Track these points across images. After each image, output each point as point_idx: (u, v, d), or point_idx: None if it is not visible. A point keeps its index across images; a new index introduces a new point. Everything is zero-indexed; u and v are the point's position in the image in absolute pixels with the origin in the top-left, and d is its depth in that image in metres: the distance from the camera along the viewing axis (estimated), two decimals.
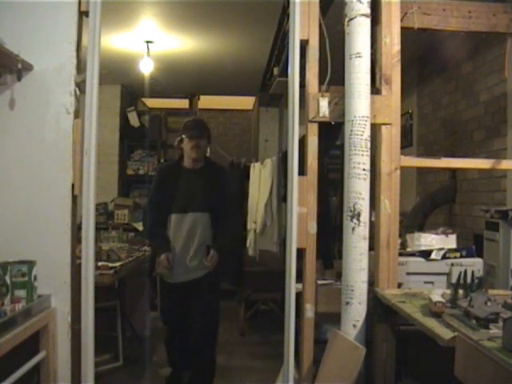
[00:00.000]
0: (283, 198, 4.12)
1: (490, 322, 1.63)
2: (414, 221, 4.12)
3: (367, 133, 2.38)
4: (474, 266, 2.60)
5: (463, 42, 4.01)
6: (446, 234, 2.85)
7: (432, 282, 2.64)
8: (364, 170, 2.37)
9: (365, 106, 2.38)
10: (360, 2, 2.39)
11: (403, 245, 2.87)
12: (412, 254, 2.75)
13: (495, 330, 1.58)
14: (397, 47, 2.56)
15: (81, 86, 2.39)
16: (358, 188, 2.37)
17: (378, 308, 2.39)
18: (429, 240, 2.80)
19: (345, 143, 2.42)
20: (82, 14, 2.41)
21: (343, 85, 2.44)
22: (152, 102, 7.63)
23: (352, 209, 2.37)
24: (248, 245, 4.75)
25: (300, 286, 2.56)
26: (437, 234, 2.85)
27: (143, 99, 7.45)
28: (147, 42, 4.88)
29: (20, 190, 2.37)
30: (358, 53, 2.38)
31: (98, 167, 2.34)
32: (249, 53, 5.21)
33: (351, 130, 2.38)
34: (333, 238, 3.64)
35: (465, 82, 4.24)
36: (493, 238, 2.57)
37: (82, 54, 2.42)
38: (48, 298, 2.30)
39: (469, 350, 1.53)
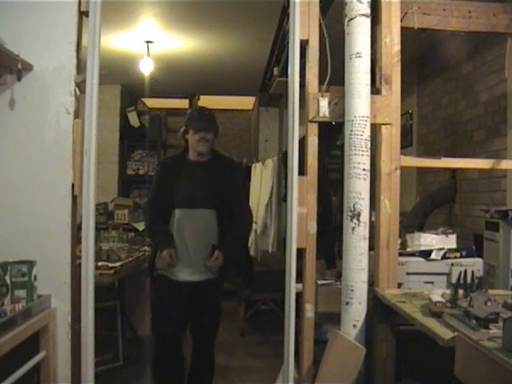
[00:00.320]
0: (284, 198, 4.11)
1: (490, 321, 1.63)
2: (413, 221, 4.12)
3: (367, 133, 2.38)
4: (474, 265, 2.59)
5: (463, 42, 4.00)
6: (445, 234, 2.84)
7: (432, 282, 2.64)
8: (364, 170, 2.37)
9: (365, 106, 2.38)
10: (360, 1, 2.39)
11: (403, 245, 2.87)
12: (412, 254, 2.75)
13: (495, 330, 1.58)
14: (397, 47, 2.56)
15: (81, 85, 2.39)
16: (358, 188, 2.37)
17: (378, 308, 2.39)
18: (429, 240, 2.80)
19: (345, 143, 2.42)
20: (82, 14, 2.40)
21: (343, 85, 2.43)
22: (152, 102, 7.63)
23: (352, 209, 2.37)
24: (249, 245, 4.76)
25: (300, 285, 2.56)
26: (437, 234, 2.85)
27: (143, 99, 7.46)
28: (147, 41, 4.89)
29: (20, 190, 2.36)
30: (357, 53, 2.38)
31: (98, 167, 2.33)
32: (249, 53, 5.21)
33: (351, 130, 2.38)
34: (333, 237, 3.64)
35: (465, 82, 4.24)
36: (493, 238, 2.56)
37: (82, 54, 2.41)
38: (48, 298, 2.30)
39: (469, 350, 1.53)
